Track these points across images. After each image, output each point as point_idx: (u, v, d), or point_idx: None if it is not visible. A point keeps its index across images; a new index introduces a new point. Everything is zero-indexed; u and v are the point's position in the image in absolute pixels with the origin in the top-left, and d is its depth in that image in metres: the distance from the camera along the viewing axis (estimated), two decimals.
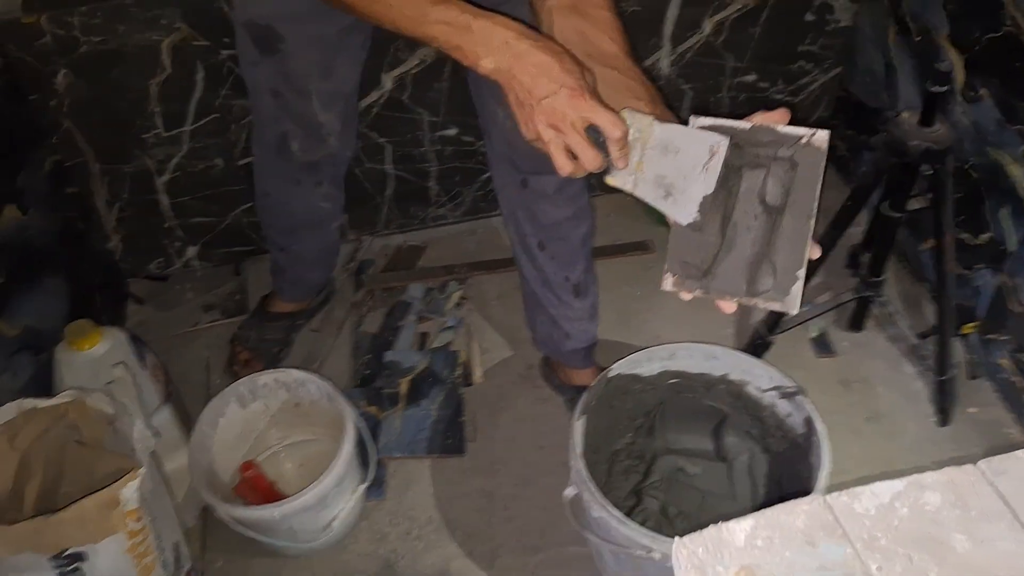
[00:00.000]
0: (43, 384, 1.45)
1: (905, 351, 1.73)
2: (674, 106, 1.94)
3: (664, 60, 1.84)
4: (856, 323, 1.72)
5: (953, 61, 1.57)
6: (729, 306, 0.84)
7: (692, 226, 0.84)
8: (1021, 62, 1.40)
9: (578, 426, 1.30)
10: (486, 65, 0.87)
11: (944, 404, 1.59)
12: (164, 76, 1.66)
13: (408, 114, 1.82)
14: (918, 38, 1.67)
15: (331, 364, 1.83)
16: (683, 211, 0.84)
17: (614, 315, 1.78)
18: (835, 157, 2.11)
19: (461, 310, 1.89)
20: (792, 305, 0.80)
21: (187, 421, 1.64)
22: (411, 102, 1.80)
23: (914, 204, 1.44)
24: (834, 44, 1.91)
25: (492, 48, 0.87)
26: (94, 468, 1.23)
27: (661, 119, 0.85)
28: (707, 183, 0.82)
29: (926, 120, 1.30)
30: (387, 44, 1.69)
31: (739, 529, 0.67)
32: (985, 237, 1.59)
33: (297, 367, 1.79)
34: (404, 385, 1.74)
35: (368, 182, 1.94)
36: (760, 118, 0.82)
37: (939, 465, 1.56)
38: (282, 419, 1.63)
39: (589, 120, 0.83)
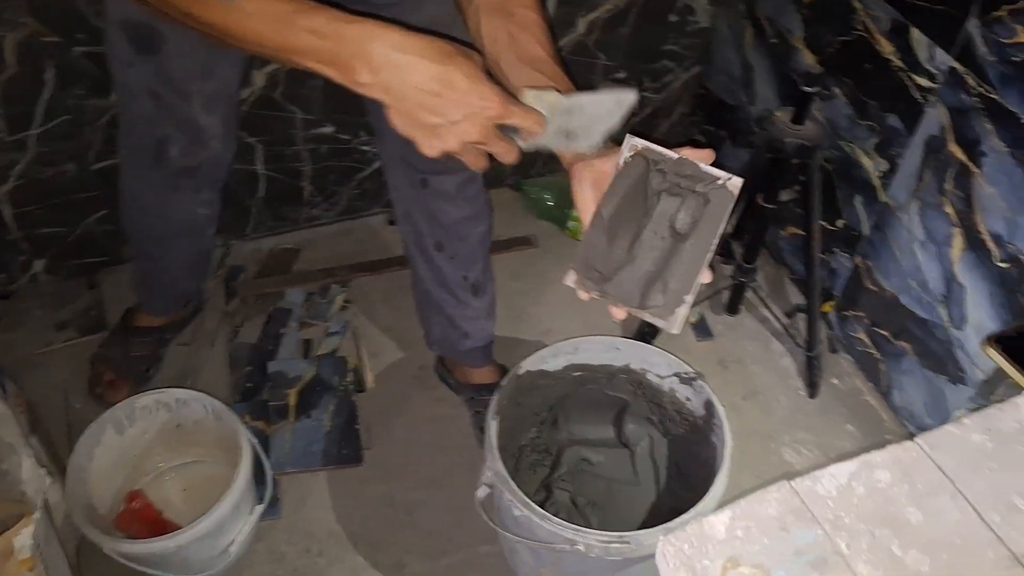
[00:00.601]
0: None
1: (774, 331, 1.86)
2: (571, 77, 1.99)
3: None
4: (731, 307, 1.83)
5: (808, 61, 1.70)
6: (620, 313, 0.87)
7: (599, 225, 0.87)
8: (870, 64, 1.53)
9: (493, 426, 1.30)
10: (364, 81, 0.77)
11: (812, 378, 1.73)
12: (8, 75, 1.50)
13: (280, 112, 1.74)
14: (774, 40, 1.79)
15: (206, 379, 1.73)
16: (585, 143, 0.87)
17: (504, 311, 1.78)
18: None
19: (346, 314, 1.84)
20: (674, 325, 0.85)
21: (52, 452, 1.50)
22: (283, 99, 1.73)
23: (783, 196, 1.55)
24: (694, 44, 2.00)
25: (372, 63, 0.77)
26: None
27: (562, 91, 0.86)
28: (612, 120, 0.86)
29: (798, 118, 1.40)
30: None
31: (719, 522, 0.70)
32: (840, 223, 1.73)
33: (169, 385, 1.69)
34: (292, 396, 1.68)
35: (237, 184, 1.84)
36: (688, 152, 0.86)
37: (813, 434, 1.70)
38: (162, 441, 1.53)
39: (508, 122, 0.81)
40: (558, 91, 0.86)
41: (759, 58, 1.86)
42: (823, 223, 1.76)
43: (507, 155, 0.84)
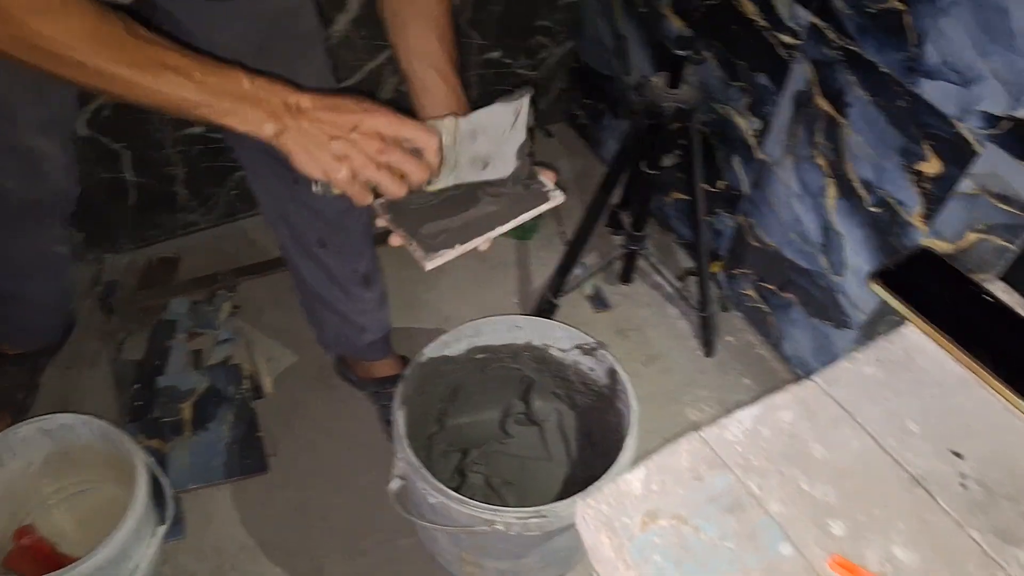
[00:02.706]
0: None
1: (667, 296, 1.89)
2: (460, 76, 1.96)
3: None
4: (625, 276, 1.86)
5: (677, 28, 1.73)
6: (395, 239, 0.90)
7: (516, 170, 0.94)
8: (737, 25, 1.57)
9: (400, 416, 1.27)
10: (269, 130, 0.81)
11: (708, 337, 1.77)
12: None
13: (145, 114, 1.65)
14: (642, 9, 1.82)
15: (92, 401, 1.63)
16: (504, 168, 0.93)
17: (398, 300, 1.75)
18: (576, 125, 2.25)
19: (235, 320, 1.77)
20: (428, 263, 0.89)
21: None
22: None
23: (665, 161, 1.58)
24: (565, 19, 2.01)
25: (275, 111, 0.80)
26: None
27: (459, 114, 0.89)
28: (518, 135, 0.92)
29: (673, 82, 1.42)
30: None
31: (634, 479, 0.70)
32: (721, 184, 1.77)
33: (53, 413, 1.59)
34: (186, 410, 1.60)
35: (103, 194, 1.73)
36: (537, 167, 0.95)
37: (713, 391, 1.74)
38: (49, 471, 1.43)
39: (402, 135, 0.83)
40: (454, 115, 0.87)
41: (630, 28, 1.88)
42: (705, 186, 1.80)
43: (419, 173, 0.84)
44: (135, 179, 1.75)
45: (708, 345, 1.79)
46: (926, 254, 0.83)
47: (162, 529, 1.38)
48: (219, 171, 1.83)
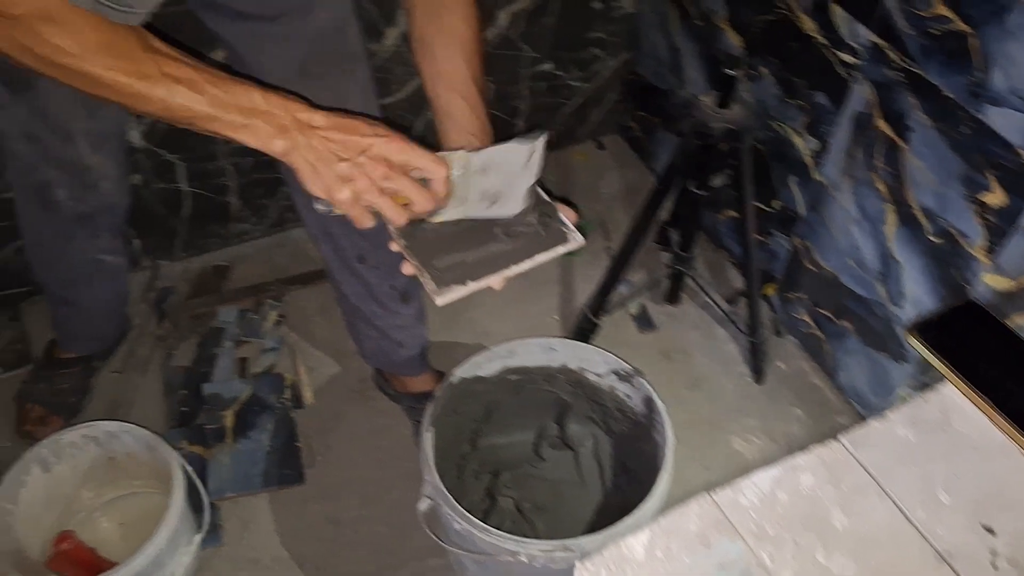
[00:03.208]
0: None
1: (717, 317, 1.84)
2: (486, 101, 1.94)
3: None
4: (672, 297, 1.81)
5: (734, 43, 1.67)
6: (408, 267, 0.89)
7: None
8: (795, 42, 1.51)
9: (428, 438, 1.26)
10: (279, 146, 0.80)
11: (758, 363, 1.71)
12: None
13: None
14: (699, 22, 1.77)
15: (141, 407, 1.67)
16: (511, 206, 0.91)
17: (439, 315, 1.74)
18: (629, 138, 2.21)
19: (280, 329, 1.79)
20: (441, 298, 0.86)
21: None
22: None
23: (715, 181, 1.53)
24: (620, 30, 1.97)
25: (285, 127, 0.79)
26: None
27: (472, 148, 0.88)
28: (530, 175, 0.90)
29: (724, 102, 1.37)
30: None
31: (637, 543, 0.67)
32: (777, 205, 1.71)
33: (101, 418, 1.63)
34: (229, 418, 1.62)
35: (160, 204, 1.77)
36: (559, 206, 0.93)
37: (761, 420, 1.68)
38: (95, 477, 1.47)
39: (411, 164, 0.82)
40: (466, 149, 0.86)
41: (686, 41, 1.83)
42: (759, 205, 1.74)
43: (425, 202, 0.83)
44: (190, 189, 1.78)
45: (758, 371, 1.73)
46: (972, 307, 0.77)
47: (198, 538, 1.40)
48: (270, 182, 1.84)
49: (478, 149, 0.86)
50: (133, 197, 1.68)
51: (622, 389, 1.39)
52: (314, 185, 0.81)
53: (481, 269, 0.87)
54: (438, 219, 0.88)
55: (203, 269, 1.89)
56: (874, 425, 0.73)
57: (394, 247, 0.90)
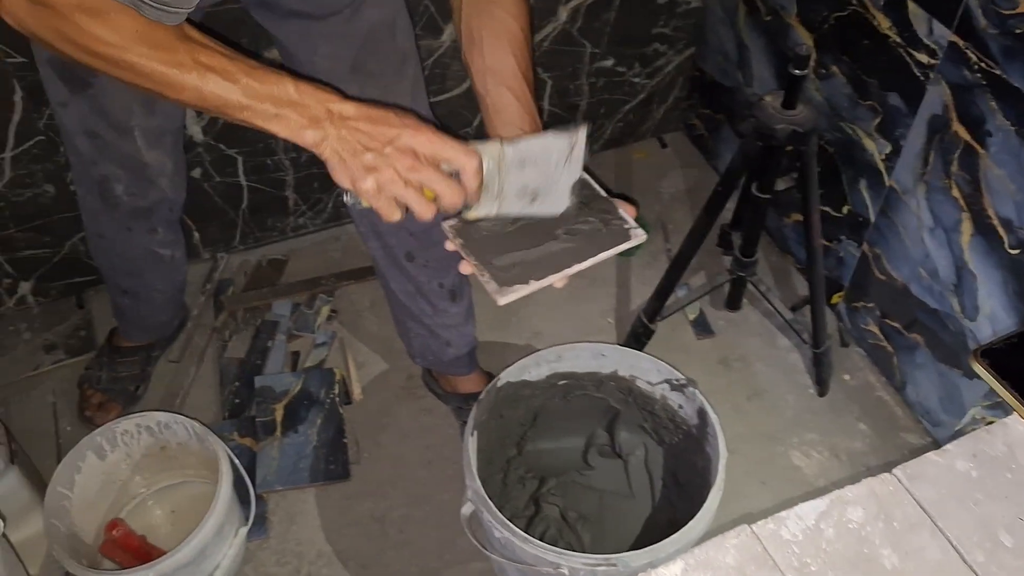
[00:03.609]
0: None
1: (779, 325, 1.77)
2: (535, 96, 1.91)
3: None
4: (732, 302, 1.75)
5: (804, 40, 1.60)
6: (466, 266, 0.87)
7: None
8: (868, 39, 1.44)
9: (471, 442, 1.24)
10: (310, 137, 0.79)
11: (821, 374, 1.64)
12: None
13: None
14: (768, 18, 1.70)
15: (196, 396, 1.69)
16: (555, 205, 0.88)
17: (490, 315, 1.72)
18: (693, 136, 2.14)
19: (332, 324, 1.79)
20: (502, 297, 0.84)
21: (38, 480, 1.48)
22: None
23: (779, 184, 1.46)
24: (686, 25, 1.91)
25: (316, 117, 0.79)
26: None
27: (508, 140, 0.85)
28: (573, 171, 0.87)
29: (789, 103, 1.31)
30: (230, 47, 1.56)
31: (669, 574, 0.63)
32: (846, 209, 1.64)
33: (158, 406, 1.66)
34: (279, 411, 1.63)
35: (220, 197, 1.79)
36: (618, 202, 0.90)
37: (823, 434, 1.61)
38: (147, 465, 1.49)
39: (440, 156, 0.80)
40: (500, 140, 0.83)
41: (754, 37, 1.76)
42: (828, 209, 1.67)
43: (452, 196, 0.80)
44: (249, 183, 1.79)
45: (821, 383, 1.66)
46: None
47: (244, 530, 1.41)
48: (326, 177, 1.81)
49: (513, 141, 0.83)
50: (195, 191, 1.72)
51: (674, 399, 1.35)
52: (341, 175, 0.80)
53: (542, 268, 0.85)
54: (473, 215, 0.85)
55: (260, 262, 1.91)
56: (931, 458, 0.68)
57: (450, 246, 0.88)
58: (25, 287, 1.80)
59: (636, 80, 1.97)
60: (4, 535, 1.19)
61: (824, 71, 1.56)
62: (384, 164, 0.78)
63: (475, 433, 1.25)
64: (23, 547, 1.38)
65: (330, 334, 1.77)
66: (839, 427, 1.62)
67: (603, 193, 0.92)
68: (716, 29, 1.89)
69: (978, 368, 0.70)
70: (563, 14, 1.76)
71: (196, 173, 1.72)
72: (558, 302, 1.80)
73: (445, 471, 1.57)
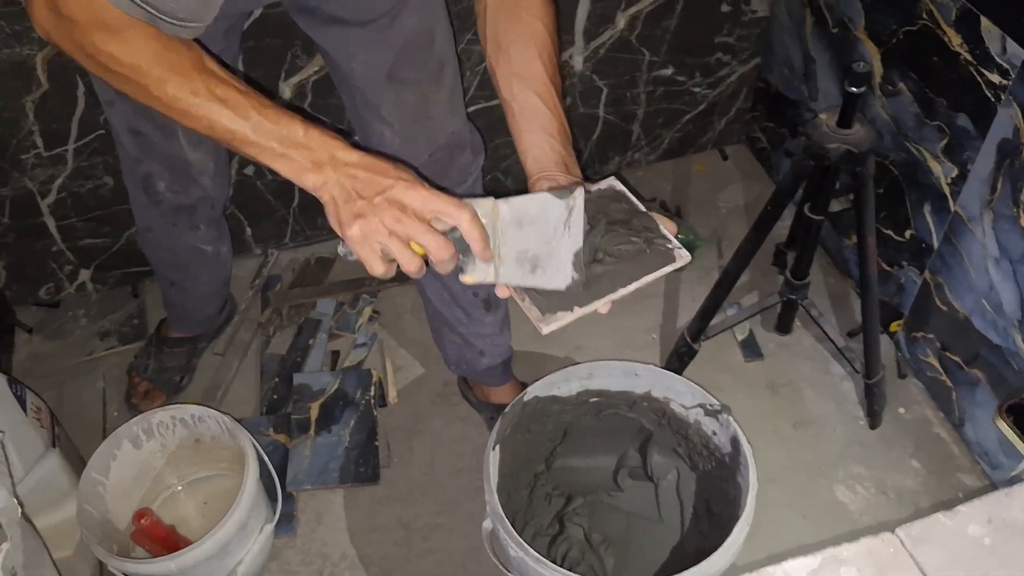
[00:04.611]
0: None
1: (833, 351, 1.69)
2: (589, 104, 1.87)
3: (577, 57, 1.76)
4: (783, 325, 1.67)
5: (871, 54, 1.52)
6: (503, 290, 0.85)
7: (571, 285, 0.83)
8: (937, 56, 1.35)
9: (492, 457, 1.22)
10: (311, 180, 0.79)
11: (873, 406, 1.56)
12: (41, 92, 1.52)
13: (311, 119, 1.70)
14: (835, 30, 1.62)
15: (237, 390, 1.71)
16: (557, 277, 0.83)
17: (529, 326, 1.68)
18: (755, 149, 2.07)
19: (373, 326, 1.79)
20: (544, 326, 0.82)
21: (80, 463, 1.52)
22: (314, 110, 1.69)
23: (836, 205, 1.39)
24: (751, 35, 1.85)
25: (319, 161, 0.78)
26: None
27: (502, 198, 0.82)
28: (574, 239, 0.83)
29: (844, 121, 1.24)
30: (283, 51, 1.58)
31: None
32: (908, 234, 1.55)
33: (200, 397, 1.69)
34: (314, 409, 1.64)
35: (272, 195, 1.82)
36: (660, 218, 0.88)
37: (871, 469, 1.53)
38: (182, 457, 1.51)
39: (430, 209, 0.78)
40: (494, 198, 0.81)
41: (820, 49, 1.69)
42: (889, 232, 1.58)
43: (440, 250, 0.77)
44: None
45: (873, 415, 1.57)
46: None
47: (270, 526, 1.42)
48: None
49: (507, 199, 0.81)
50: (248, 188, 1.75)
51: (709, 424, 1.29)
52: (332, 219, 0.80)
53: (586, 293, 0.82)
54: (470, 278, 0.81)
55: (308, 260, 1.93)
56: (940, 519, 0.62)
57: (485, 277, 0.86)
58: (84, 275, 1.86)
59: (697, 90, 1.91)
60: (25, 517, 1.22)
61: (890, 87, 1.48)
62: (372, 212, 0.77)
63: (498, 447, 1.23)
64: (59, 528, 1.42)
65: (370, 335, 1.77)
66: (890, 462, 1.53)
67: (642, 208, 0.89)
68: (782, 39, 1.81)
69: (1002, 425, 0.64)
70: (621, 21, 1.72)
71: (249, 171, 1.74)
72: (600, 316, 1.75)
73: (475, 482, 1.55)
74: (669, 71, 1.85)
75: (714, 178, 2.04)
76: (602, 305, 0.84)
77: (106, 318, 1.85)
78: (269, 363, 1.75)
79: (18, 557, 1.08)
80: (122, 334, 1.83)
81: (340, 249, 0.83)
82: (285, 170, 0.80)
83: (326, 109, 1.69)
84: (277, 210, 1.86)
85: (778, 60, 1.85)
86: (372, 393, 1.66)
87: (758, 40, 1.86)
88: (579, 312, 0.82)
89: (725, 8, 1.78)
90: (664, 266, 0.85)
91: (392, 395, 1.67)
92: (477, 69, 1.70)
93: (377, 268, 0.79)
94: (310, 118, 1.59)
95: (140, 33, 0.76)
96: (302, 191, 1.83)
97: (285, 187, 1.81)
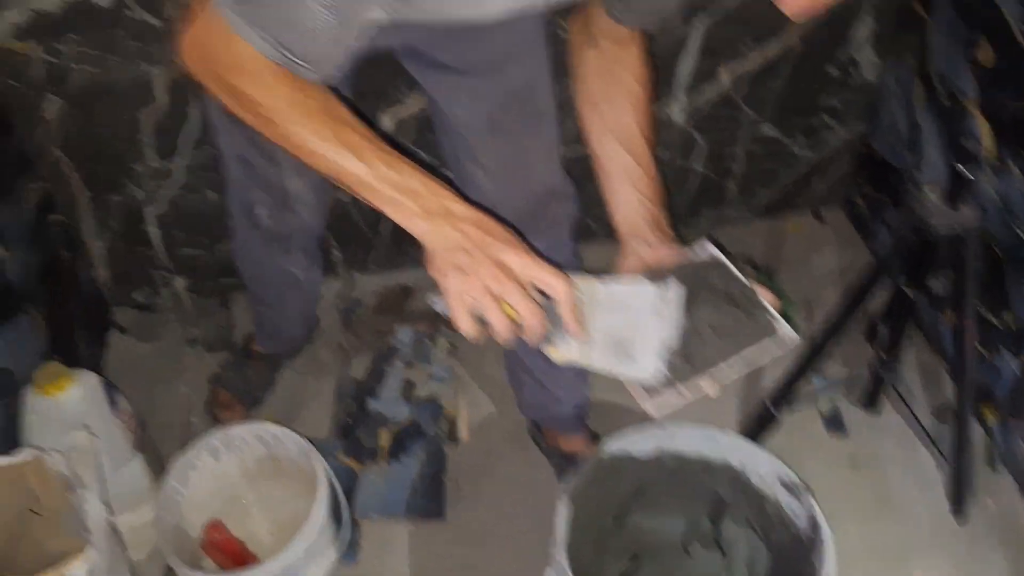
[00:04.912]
0: (11, 431, 1.37)
1: (920, 433, 1.63)
2: (686, 157, 1.86)
3: (676, 110, 1.75)
4: (870, 400, 1.62)
5: (982, 129, 1.48)
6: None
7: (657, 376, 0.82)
8: None
9: (562, 512, 1.20)
10: (420, 227, 0.81)
11: (960, 494, 1.49)
12: (156, 108, 1.59)
13: (407, 156, 1.73)
14: (946, 102, 1.58)
15: (313, 409, 1.74)
16: (643, 367, 0.82)
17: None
18: (854, 214, 2.02)
19: (450, 359, 1.80)
20: (656, 410, 0.82)
21: (160, 468, 1.56)
22: (413, 144, 1.72)
23: (935, 281, 1.35)
24: (858, 100, 1.82)
25: (430, 210, 0.80)
26: (46, 541, 1.15)
27: (604, 278, 0.82)
28: (666, 329, 0.81)
29: (951, 200, 1.20)
30: (384, 85, 1.61)
31: None
32: (1008, 316, 1.49)
33: (276, 413, 1.73)
34: (386, 438, 1.66)
35: (362, 219, 1.85)
36: (760, 289, 0.86)
37: (953, 561, 1.47)
38: (258, 473, 1.55)
39: (530, 276, 0.78)
40: (592, 276, 0.82)
41: (928, 120, 1.64)
42: (987, 314, 1.53)
43: (533, 316, 0.78)
44: None
45: (959, 504, 1.50)
46: None
47: (333, 554, 1.44)
48: None
49: (603, 278, 0.81)
50: (339, 212, 1.79)
51: (787, 500, 1.26)
52: (431, 267, 0.81)
53: (690, 370, 0.81)
54: (557, 354, 0.81)
55: (390, 286, 1.95)
56: None
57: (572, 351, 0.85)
58: (180, 282, 1.92)
59: (798, 151, 1.89)
60: (111, 522, 1.26)
61: (1001, 164, 1.43)
62: (472, 268, 0.78)
63: (569, 504, 1.22)
64: (135, 531, 1.46)
65: (447, 369, 1.78)
66: (973, 555, 1.46)
67: (744, 279, 0.87)
68: (889, 106, 1.77)
69: None
70: (725, 78, 1.71)
71: (343, 196, 1.78)
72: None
73: (542, 528, 1.51)
74: (772, 131, 1.83)
75: (809, 240, 2.00)
76: (711, 389, 0.83)
77: (196, 326, 1.91)
78: (345, 385, 1.77)
79: (102, 563, 1.12)
80: (209, 343, 1.88)
81: (435, 303, 0.84)
82: (397, 215, 0.81)
83: (424, 144, 1.72)
84: (365, 235, 1.89)
85: (884, 127, 1.81)
86: (444, 428, 1.67)
87: (864, 105, 1.83)
88: (688, 396, 0.81)
89: (833, 72, 1.75)
90: (771, 349, 0.83)
91: (464, 432, 1.68)
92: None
93: (466, 326, 0.80)
94: (407, 153, 1.62)
95: (275, 76, 0.79)
96: (387, 220, 1.87)
97: (375, 215, 1.83)
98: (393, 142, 0.88)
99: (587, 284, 0.80)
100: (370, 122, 0.88)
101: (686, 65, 1.67)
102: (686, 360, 0.82)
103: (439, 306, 0.83)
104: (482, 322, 0.80)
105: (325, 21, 0.73)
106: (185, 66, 0.83)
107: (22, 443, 1.33)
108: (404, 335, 1.84)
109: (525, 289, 0.79)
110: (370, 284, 1.97)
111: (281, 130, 0.81)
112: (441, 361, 1.80)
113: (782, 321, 0.84)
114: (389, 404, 1.71)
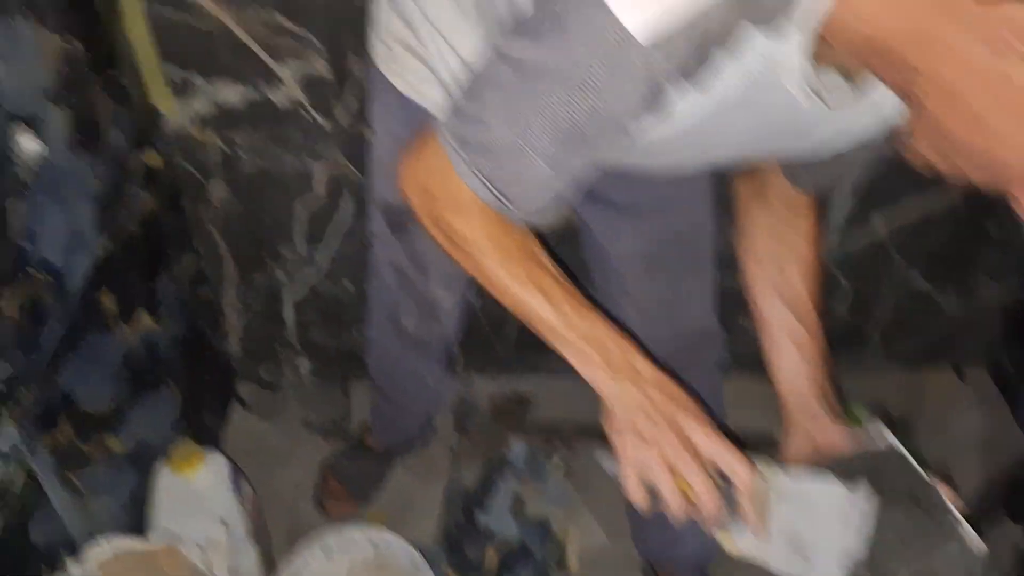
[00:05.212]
0: (140, 504, 1.40)
1: None
2: (826, 300, 1.81)
3: (823, 250, 1.72)
4: None
5: None
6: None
7: None
8: None
9: None
10: (606, 386, 0.80)
11: None
12: (313, 198, 1.64)
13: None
14: None
15: (419, 512, 1.73)
16: (820, 568, 0.77)
17: None
18: (999, 376, 1.92)
19: (564, 481, 1.76)
20: None
21: (269, 553, 1.57)
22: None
23: None
24: (1015, 260, 1.74)
25: (616, 365, 0.80)
26: None
27: (789, 467, 0.78)
28: (850, 539, 0.75)
29: None
30: None
31: None
32: None
33: (383, 511, 1.72)
34: (493, 556, 1.62)
35: (487, 322, 1.86)
36: (943, 488, 0.80)
37: None
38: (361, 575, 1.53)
39: (712, 452, 0.76)
40: (779, 467, 0.79)
41: None
42: None
43: (709, 501, 0.76)
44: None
45: None
46: None
47: None
48: None
49: (790, 471, 0.77)
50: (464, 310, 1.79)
51: None
52: (608, 425, 0.80)
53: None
54: (731, 544, 0.78)
55: (507, 393, 1.94)
56: None
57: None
58: (305, 365, 1.96)
59: (945, 305, 1.81)
60: None
61: None
62: (654, 435, 0.76)
63: None
64: None
65: (561, 489, 1.74)
66: None
67: (927, 477, 0.81)
68: None
69: None
70: (879, 226, 1.67)
71: (471, 297, 1.79)
72: None
73: None
74: (923, 285, 1.76)
75: (947, 398, 1.90)
76: None
77: (315, 410, 1.93)
78: (455, 492, 1.75)
79: None
80: (326, 429, 1.90)
81: (602, 460, 0.82)
82: (580, 365, 0.81)
83: (557, 259, 1.72)
84: (488, 338, 1.90)
85: None
86: (553, 554, 1.62)
87: (1021, 265, 1.75)
88: None
89: (993, 231, 1.69)
90: (957, 559, 0.76)
91: (573, 563, 1.63)
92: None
93: (635, 494, 0.78)
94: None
95: (483, 214, 0.80)
96: (519, 325, 1.87)
97: (501, 315, 1.85)
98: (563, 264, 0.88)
99: (771, 473, 0.77)
100: (552, 251, 0.88)
101: (839, 210, 1.64)
102: (869, 571, 0.76)
103: (607, 465, 0.81)
104: (652, 492, 0.78)
105: (543, 171, 0.74)
106: (406, 195, 0.85)
107: (151, 522, 1.36)
108: (518, 448, 1.82)
109: (704, 467, 0.76)
110: (487, 387, 1.96)
111: (478, 265, 0.83)
112: (555, 481, 1.76)
113: (967, 525, 0.78)
114: (498, 519, 1.68)
